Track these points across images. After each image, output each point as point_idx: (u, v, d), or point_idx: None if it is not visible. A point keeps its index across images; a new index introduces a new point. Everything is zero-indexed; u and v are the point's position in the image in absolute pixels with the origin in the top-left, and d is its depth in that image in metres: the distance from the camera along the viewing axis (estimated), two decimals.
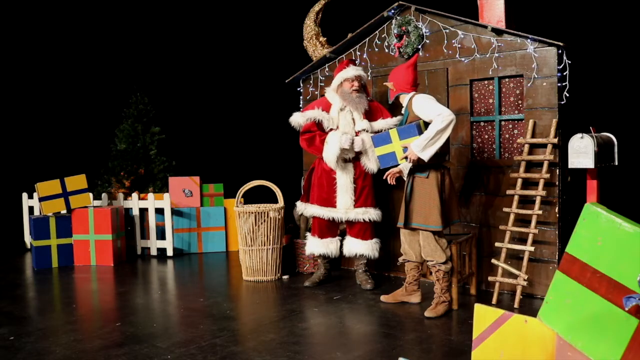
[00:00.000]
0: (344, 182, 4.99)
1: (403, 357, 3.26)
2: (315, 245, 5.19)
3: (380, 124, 4.98)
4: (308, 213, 5.23)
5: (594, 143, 3.70)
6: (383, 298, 4.63)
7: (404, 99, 4.39)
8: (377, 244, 5.11)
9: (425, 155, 4.08)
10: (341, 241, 5.21)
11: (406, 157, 4.18)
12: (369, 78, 5.50)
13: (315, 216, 5.16)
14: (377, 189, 5.18)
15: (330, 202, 5.05)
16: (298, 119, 5.06)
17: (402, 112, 4.49)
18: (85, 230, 6.32)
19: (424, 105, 4.17)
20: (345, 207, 5.01)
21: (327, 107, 5.03)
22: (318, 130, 5.00)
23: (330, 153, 4.91)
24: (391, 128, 4.47)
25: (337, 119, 4.96)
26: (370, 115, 5.01)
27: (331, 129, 4.97)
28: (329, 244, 5.16)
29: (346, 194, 5.00)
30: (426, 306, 4.34)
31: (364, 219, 5.01)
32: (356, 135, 4.94)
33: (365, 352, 3.53)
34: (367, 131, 4.93)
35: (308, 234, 5.34)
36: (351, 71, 4.94)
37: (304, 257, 5.72)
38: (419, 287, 4.57)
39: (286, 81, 6.16)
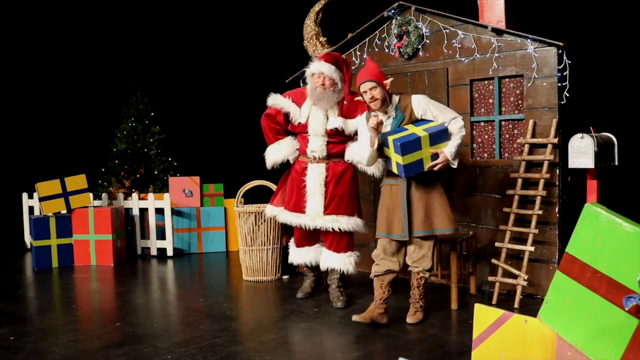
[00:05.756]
0: (313, 185, 4.46)
1: (403, 357, 3.26)
2: (293, 255, 4.78)
3: (355, 122, 4.38)
4: (280, 219, 4.77)
5: (594, 143, 3.70)
6: (355, 318, 3.92)
7: (394, 99, 3.96)
8: (352, 258, 4.52)
9: (455, 162, 3.85)
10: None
11: (433, 165, 3.80)
12: None
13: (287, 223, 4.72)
14: (359, 195, 4.70)
15: (299, 207, 4.53)
16: (270, 100, 4.63)
17: (391, 113, 3.94)
18: (85, 230, 6.32)
19: (432, 107, 3.89)
20: (313, 214, 4.46)
21: (301, 98, 4.57)
22: (282, 119, 4.59)
23: (271, 156, 4.64)
24: (419, 133, 3.79)
25: (307, 112, 4.48)
26: (348, 113, 4.44)
27: (300, 123, 4.51)
28: (306, 253, 4.71)
29: (314, 198, 4.46)
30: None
31: (333, 228, 4.43)
32: (327, 133, 4.43)
33: (365, 352, 3.53)
34: (339, 129, 4.40)
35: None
36: (315, 66, 4.43)
37: None
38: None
39: (286, 81, 6.16)
